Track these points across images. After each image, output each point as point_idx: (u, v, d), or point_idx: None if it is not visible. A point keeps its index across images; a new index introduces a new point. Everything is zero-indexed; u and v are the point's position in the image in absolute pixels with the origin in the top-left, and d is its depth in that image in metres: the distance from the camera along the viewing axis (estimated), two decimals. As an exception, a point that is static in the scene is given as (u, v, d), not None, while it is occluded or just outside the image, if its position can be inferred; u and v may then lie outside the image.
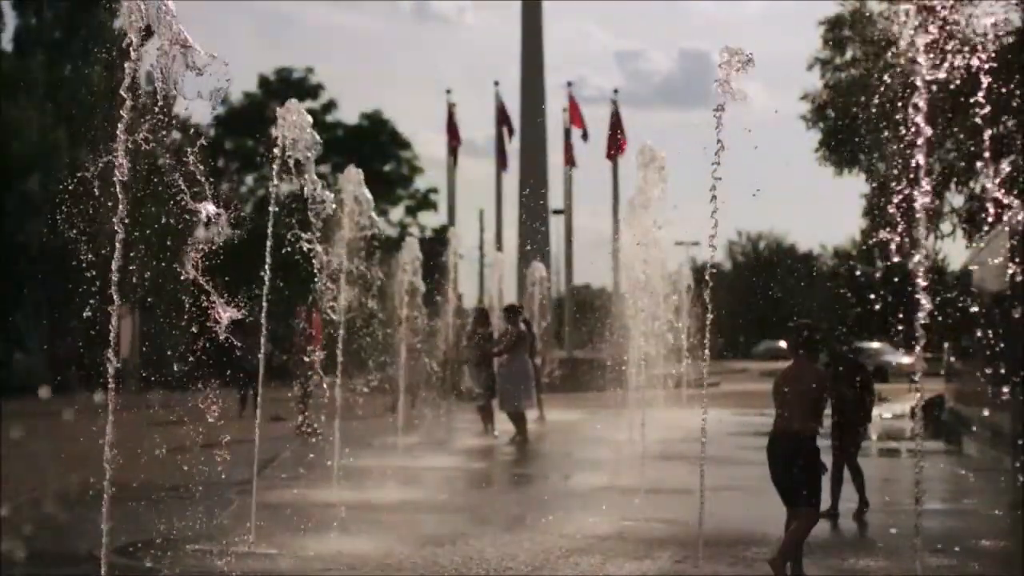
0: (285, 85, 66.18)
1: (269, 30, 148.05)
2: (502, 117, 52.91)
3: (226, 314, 7.69)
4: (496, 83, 52.72)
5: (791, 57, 77.96)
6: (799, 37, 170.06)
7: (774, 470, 9.62)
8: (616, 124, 51.70)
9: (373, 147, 69.27)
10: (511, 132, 53.13)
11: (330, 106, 70.26)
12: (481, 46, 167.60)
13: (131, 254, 8.04)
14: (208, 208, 7.71)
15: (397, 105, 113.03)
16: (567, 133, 52.36)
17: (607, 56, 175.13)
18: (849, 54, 43.78)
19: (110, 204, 7.80)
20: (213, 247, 7.82)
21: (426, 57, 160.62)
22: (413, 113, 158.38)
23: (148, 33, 7.79)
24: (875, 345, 49.33)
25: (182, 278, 7.96)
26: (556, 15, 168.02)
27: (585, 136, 52.35)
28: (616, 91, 53.47)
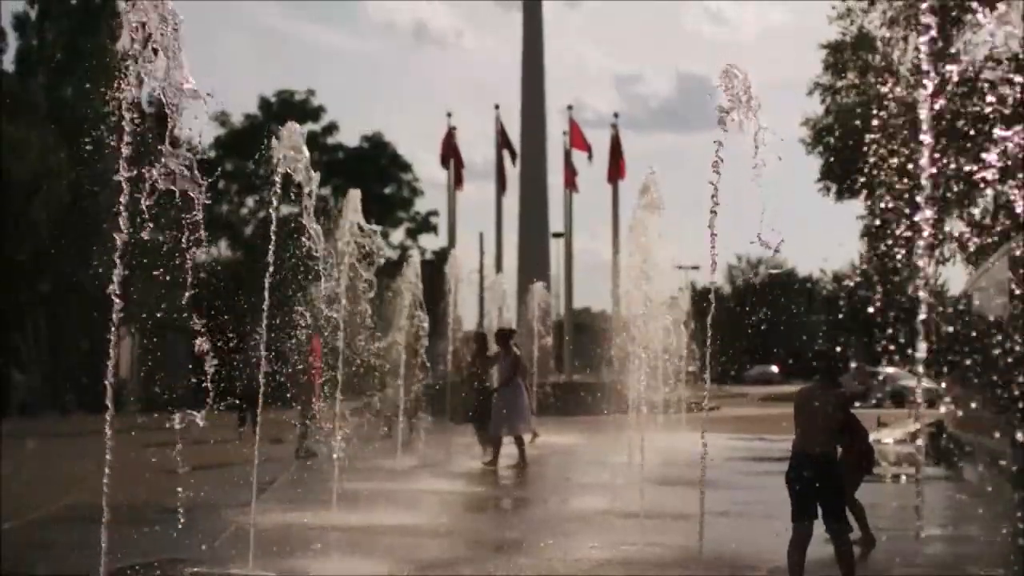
0: (286, 107, 66.39)
1: (269, 52, 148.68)
2: (503, 140, 52.94)
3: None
4: (497, 106, 52.84)
5: (789, 80, 78.20)
6: (798, 60, 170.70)
7: (797, 487, 9.78)
8: (616, 148, 51.77)
9: (374, 169, 69.47)
10: (513, 156, 53.16)
11: (331, 128, 70.49)
12: (480, 69, 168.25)
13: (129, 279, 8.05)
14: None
15: (396, 127, 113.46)
16: (567, 156, 52.39)
17: (605, 80, 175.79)
18: (851, 76, 43.82)
19: (111, 223, 7.82)
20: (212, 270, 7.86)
21: (425, 80, 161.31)
22: (412, 135, 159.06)
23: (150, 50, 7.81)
24: (890, 370, 48.97)
25: (182, 301, 7.97)
26: (554, 38, 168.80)
27: (590, 157, 52.37)
28: (616, 115, 53.62)
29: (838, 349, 10.33)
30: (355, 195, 17.09)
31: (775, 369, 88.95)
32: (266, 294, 11.51)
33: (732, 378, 73.24)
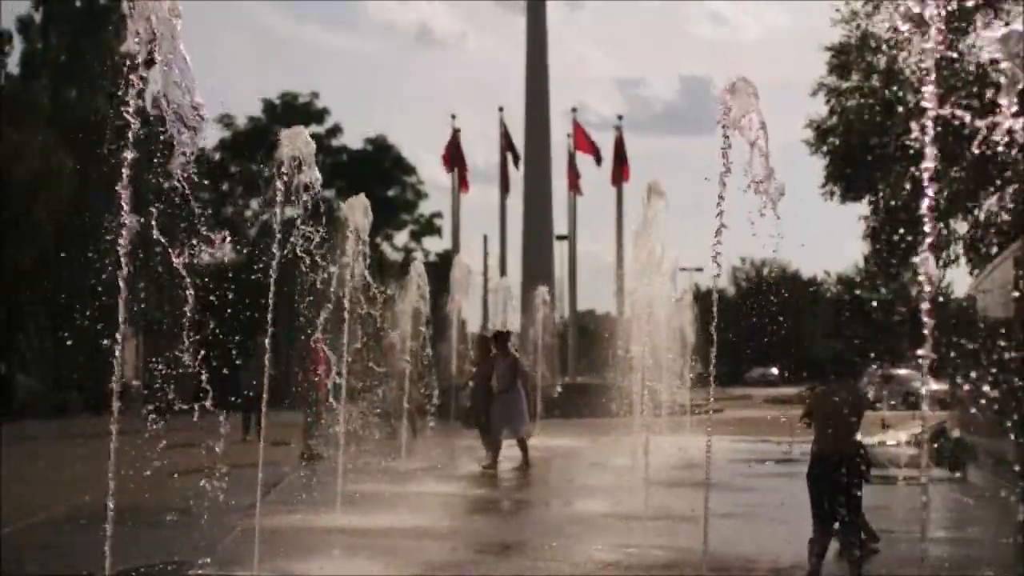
0: (290, 109, 66.38)
1: (269, 52, 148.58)
2: (507, 142, 52.94)
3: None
4: (501, 109, 52.84)
5: (790, 80, 78.16)
6: (798, 61, 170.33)
7: (817, 487, 9.92)
8: (621, 150, 51.77)
9: (377, 172, 69.45)
10: (516, 158, 53.17)
11: (335, 131, 70.45)
12: (482, 70, 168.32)
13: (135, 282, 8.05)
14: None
15: (398, 128, 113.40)
16: (571, 158, 52.40)
17: (607, 82, 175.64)
18: (855, 78, 43.60)
19: (114, 227, 7.82)
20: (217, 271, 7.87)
21: (427, 80, 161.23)
22: (414, 136, 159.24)
23: (150, 61, 7.83)
24: (902, 372, 48.65)
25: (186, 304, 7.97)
26: (556, 41, 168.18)
27: (598, 161, 52.35)
28: (621, 117, 53.71)
29: (851, 351, 10.38)
30: (361, 201, 16.95)
31: (775, 371, 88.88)
32: (270, 309, 11.46)
33: (733, 380, 73.22)
